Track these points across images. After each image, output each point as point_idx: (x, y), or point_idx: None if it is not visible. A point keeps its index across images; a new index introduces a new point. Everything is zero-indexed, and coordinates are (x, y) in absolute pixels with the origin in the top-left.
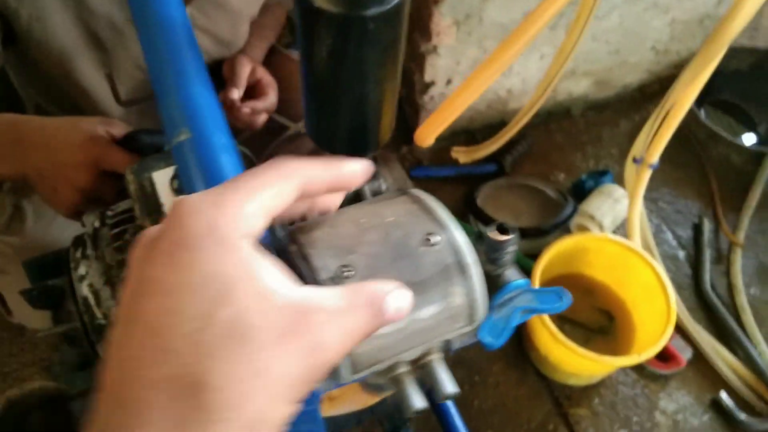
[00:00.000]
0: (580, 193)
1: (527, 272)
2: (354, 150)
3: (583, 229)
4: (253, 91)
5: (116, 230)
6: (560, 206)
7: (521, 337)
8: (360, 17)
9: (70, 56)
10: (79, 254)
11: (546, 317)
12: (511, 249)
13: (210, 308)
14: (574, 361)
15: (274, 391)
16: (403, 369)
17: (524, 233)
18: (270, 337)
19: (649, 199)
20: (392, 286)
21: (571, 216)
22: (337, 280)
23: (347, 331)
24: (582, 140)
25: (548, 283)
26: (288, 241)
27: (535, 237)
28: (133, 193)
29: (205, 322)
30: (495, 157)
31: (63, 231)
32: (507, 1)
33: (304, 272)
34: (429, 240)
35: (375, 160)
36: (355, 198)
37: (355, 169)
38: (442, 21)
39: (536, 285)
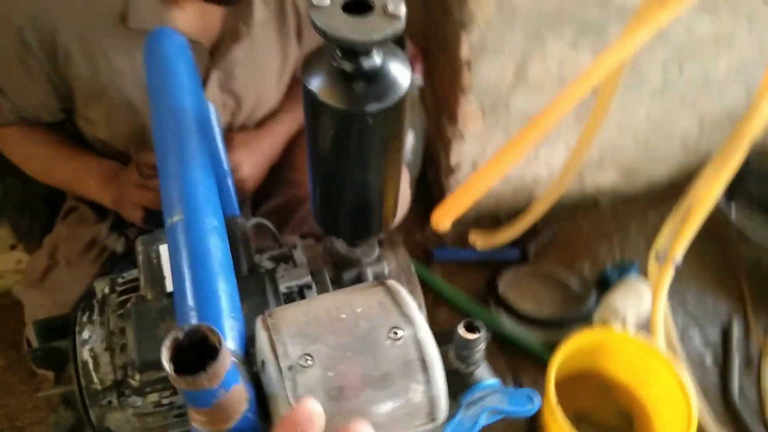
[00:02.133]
0: (605, 284)
1: (545, 363)
2: (356, 234)
3: (605, 322)
4: None
5: (122, 298)
6: (583, 298)
7: None
8: (360, 113)
9: (137, 109)
10: (85, 318)
11: (561, 415)
12: (481, 347)
13: None
14: None
15: None
16: None
17: (545, 323)
18: None
19: (676, 292)
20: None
21: (593, 308)
22: (295, 369)
23: None
24: (608, 231)
25: (566, 378)
26: (262, 323)
27: (556, 328)
28: (140, 263)
29: None
30: (519, 244)
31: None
32: (533, 91)
33: (266, 358)
34: (395, 334)
35: (380, 243)
36: (357, 279)
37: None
38: (469, 107)
39: (552, 380)
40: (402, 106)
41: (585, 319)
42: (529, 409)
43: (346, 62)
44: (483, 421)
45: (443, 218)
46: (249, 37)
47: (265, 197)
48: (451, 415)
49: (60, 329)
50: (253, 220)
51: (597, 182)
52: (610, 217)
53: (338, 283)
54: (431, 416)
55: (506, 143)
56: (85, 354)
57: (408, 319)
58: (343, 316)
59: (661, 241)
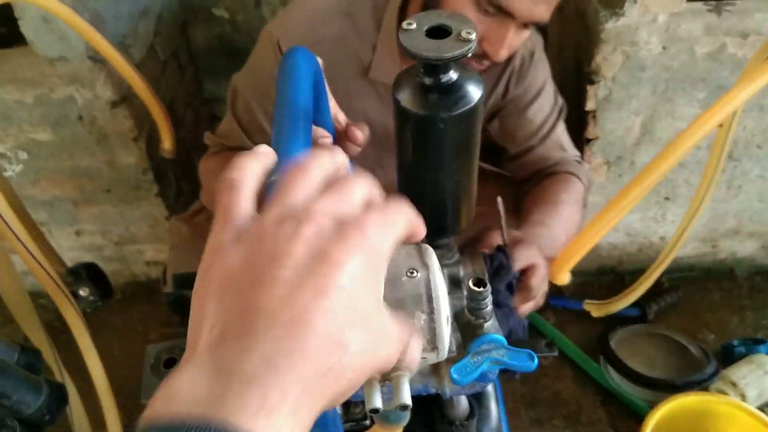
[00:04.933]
0: (728, 357)
1: (642, 418)
2: (432, 233)
3: (722, 395)
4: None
5: None
6: (701, 366)
7: None
8: (433, 117)
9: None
10: None
11: None
12: (487, 301)
13: None
14: None
15: None
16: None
17: (654, 384)
18: None
19: None
20: None
21: (711, 378)
22: None
23: None
24: (743, 304)
25: None
26: None
27: (666, 390)
28: None
29: None
30: (639, 302)
31: None
32: (658, 146)
33: None
34: (411, 273)
35: (461, 251)
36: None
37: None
38: (593, 159)
39: None
40: (472, 117)
41: (700, 388)
42: (528, 366)
43: (426, 77)
44: (485, 367)
45: (559, 271)
46: None
47: None
48: (459, 358)
49: (193, 282)
50: None
51: (733, 250)
52: (747, 290)
53: None
54: (432, 344)
55: (617, 194)
56: None
57: (426, 265)
58: None
59: None
